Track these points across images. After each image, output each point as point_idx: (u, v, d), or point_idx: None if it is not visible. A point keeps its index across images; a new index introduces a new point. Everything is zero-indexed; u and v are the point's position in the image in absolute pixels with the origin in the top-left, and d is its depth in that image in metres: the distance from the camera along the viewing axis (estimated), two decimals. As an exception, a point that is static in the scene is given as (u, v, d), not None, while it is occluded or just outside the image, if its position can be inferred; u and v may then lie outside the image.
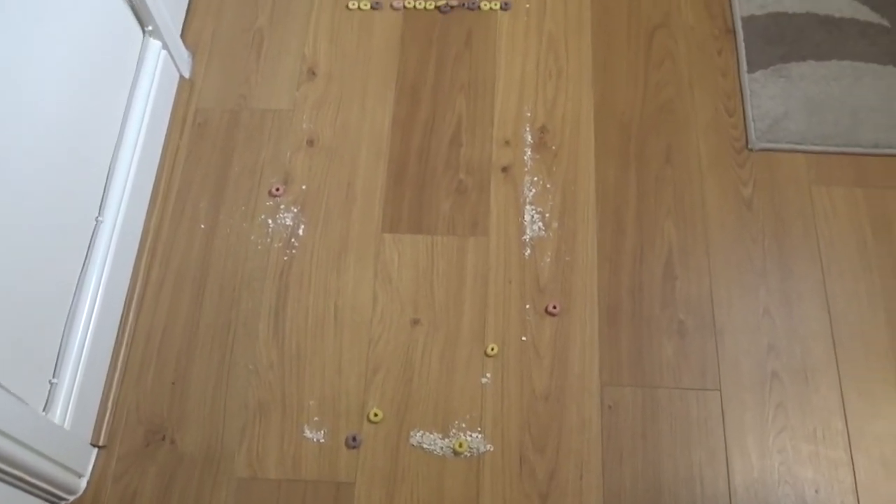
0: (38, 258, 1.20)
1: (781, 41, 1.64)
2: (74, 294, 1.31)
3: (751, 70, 1.62)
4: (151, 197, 1.53)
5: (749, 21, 1.67)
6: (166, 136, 1.59)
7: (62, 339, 1.28)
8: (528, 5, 1.73)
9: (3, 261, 1.10)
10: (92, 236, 1.36)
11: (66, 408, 1.25)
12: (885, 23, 1.63)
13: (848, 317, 1.42)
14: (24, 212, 1.15)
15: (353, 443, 1.33)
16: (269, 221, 1.52)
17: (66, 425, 1.25)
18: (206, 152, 1.58)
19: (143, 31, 1.53)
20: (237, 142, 1.59)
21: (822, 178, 1.54)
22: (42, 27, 1.18)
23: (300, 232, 1.51)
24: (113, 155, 1.43)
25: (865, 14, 1.65)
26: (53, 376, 1.25)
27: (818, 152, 1.55)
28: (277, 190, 1.54)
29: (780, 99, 1.59)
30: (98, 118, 1.38)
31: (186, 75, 1.65)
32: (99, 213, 1.38)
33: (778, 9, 1.68)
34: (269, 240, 1.50)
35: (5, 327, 1.12)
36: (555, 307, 1.42)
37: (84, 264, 1.34)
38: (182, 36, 1.68)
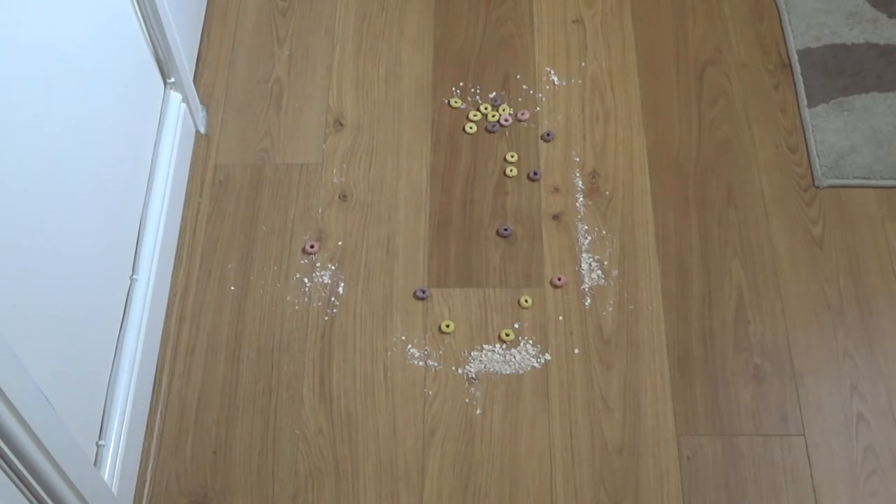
0: (79, 315, 1.55)
1: (841, 73, 2.07)
2: (115, 354, 1.65)
3: (811, 104, 2.04)
4: (176, 258, 1.89)
5: (805, 54, 2.11)
6: (186, 193, 1.97)
7: (106, 402, 1.62)
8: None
9: (46, 317, 1.44)
10: (128, 295, 1.72)
11: (112, 471, 1.58)
12: (950, 52, 2.08)
13: (934, 356, 1.80)
14: (64, 270, 1.50)
15: (414, 507, 1.67)
16: (306, 280, 1.88)
17: (114, 489, 1.58)
18: (230, 210, 1.96)
19: (165, 84, 1.93)
20: (263, 198, 1.97)
21: (895, 213, 1.94)
22: (78, 82, 1.56)
23: (340, 290, 1.87)
24: (143, 212, 1.80)
25: (928, 44, 2.10)
26: (100, 438, 1.59)
27: (889, 186, 1.95)
28: (312, 247, 1.91)
29: (844, 133, 2.01)
30: (128, 173, 1.76)
31: (202, 130, 2.05)
32: (133, 271, 1.74)
33: (835, 40, 2.12)
34: (306, 300, 1.86)
35: (54, 386, 1.46)
36: (560, 279, 1.86)
37: (122, 324, 1.69)
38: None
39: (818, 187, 1.97)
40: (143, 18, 1.76)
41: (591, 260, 1.90)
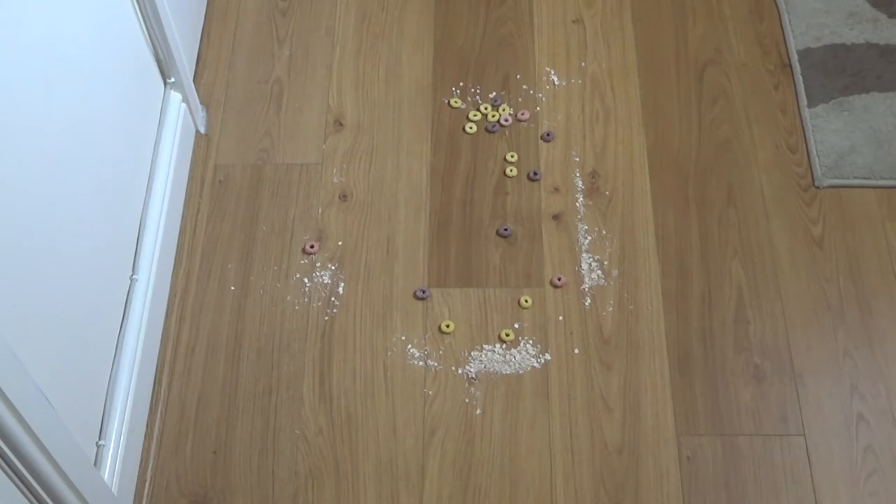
0: (79, 315, 1.55)
1: (841, 73, 2.07)
2: (115, 354, 1.65)
3: (811, 104, 2.04)
4: (176, 258, 1.89)
5: (805, 54, 2.11)
6: (186, 193, 1.97)
7: (106, 402, 1.62)
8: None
9: (46, 317, 1.45)
10: (128, 295, 1.72)
11: (112, 471, 1.58)
12: (950, 52, 2.08)
13: (934, 356, 1.80)
14: (64, 270, 1.50)
15: (414, 507, 1.67)
16: (306, 280, 1.88)
17: (114, 489, 1.58)
18: (230, 210, 1.96)
19: (165, 84, 1.92)
20: (263, 198, 1.97)
21: (895, 213, 1.94)
22: (78, 82, 1.56)
23: (340, 290, 1.87)
24: (143, 212, 1.80)
25: (928, 44, 2.10)
26: (100, 438, 1.59)
27: (889, 187, 1.95)
28: (312, 247, 1.91)
29: (844, 133, 2.01)
30: (128, 173, 1.76)
31: (202, 130, 2.05)
32: (133, 271, 1.74)
33: (835, 40, 2.12)
34: (306, 300, 1.86)
35: (54, 386, 1.46)
36: (560, 279, 1.85)
37: (122, 324, 1.69)
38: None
39: (818, 187, 1.97)
40: (143, 18, 1.76)
41: (591, 260, 1.90)
